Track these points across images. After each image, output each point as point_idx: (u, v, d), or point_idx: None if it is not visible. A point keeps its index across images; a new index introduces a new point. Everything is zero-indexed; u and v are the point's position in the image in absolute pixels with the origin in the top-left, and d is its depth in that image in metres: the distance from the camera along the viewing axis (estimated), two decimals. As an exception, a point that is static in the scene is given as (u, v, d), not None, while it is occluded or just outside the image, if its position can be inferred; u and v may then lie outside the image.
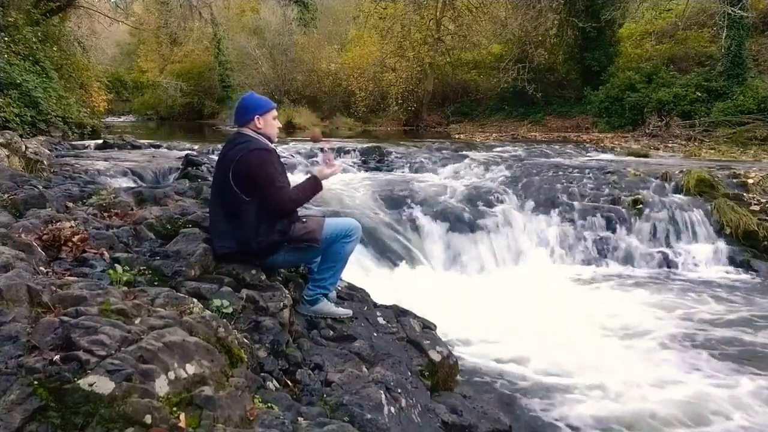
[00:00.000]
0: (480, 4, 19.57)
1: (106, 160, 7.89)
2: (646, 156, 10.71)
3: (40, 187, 4.25)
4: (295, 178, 3.15)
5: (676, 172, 7.67)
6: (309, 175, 3.12)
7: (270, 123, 3.02)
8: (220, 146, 9.93)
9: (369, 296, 3.55)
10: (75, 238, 2.84)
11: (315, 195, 3.08)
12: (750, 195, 6.98)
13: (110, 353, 1.70)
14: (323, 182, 3.08)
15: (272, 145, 3.04)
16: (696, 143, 12.09)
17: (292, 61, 24.23)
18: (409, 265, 5.67)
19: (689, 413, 3.23)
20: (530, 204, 6.95)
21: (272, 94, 22.77)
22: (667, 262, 6.25)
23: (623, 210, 6.79)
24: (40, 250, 2.65)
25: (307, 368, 2.51)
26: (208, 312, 2.30)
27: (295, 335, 2.80)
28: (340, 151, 10.30)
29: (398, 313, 3.43)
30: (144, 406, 1.57)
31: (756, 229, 6.34)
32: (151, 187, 5.20)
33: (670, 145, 12.28)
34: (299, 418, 1.99)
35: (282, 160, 3.08)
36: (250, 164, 2.82)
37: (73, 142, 10.63)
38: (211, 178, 6.34)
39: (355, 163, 9.83)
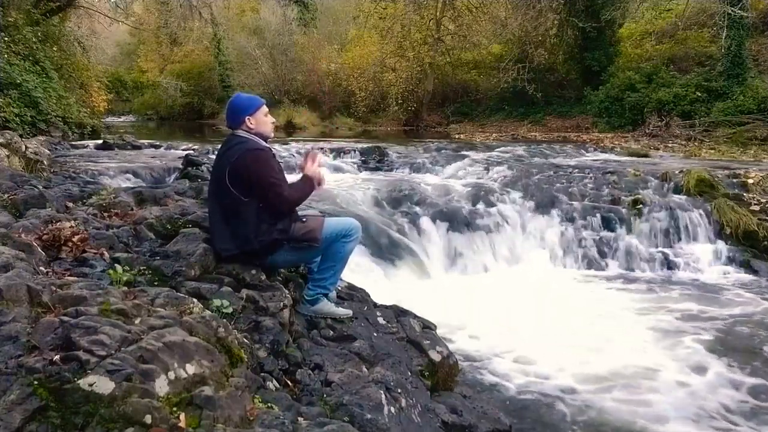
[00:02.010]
0: (480, 4, 19.56)
1: (106, 160, 7.89)
2: (646, 156, 10.71)
3: (40, 187, 4.25)
4: (294, 178, 3.14)
5: (676, 172, 7.67)
6: (301, 175, 3.09)
7: (262, 121, 2.98)
8: (220, 146, 9.99)
9: (369, 296, 3.55)
10: (75, 238, 2.84)
11: (311, 193, 3.06)
12: (750, 195, 6.98)
13: (110, 353, 1.70)
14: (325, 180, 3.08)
15: (267, 144, 3.02)
16: (696, 143, 12.09)
17: (292, 61, 24.24)
18: (409, 265, 5.67)
19: (690, 413, 3.23)
20: (530, 204, 6.95)
21: (272, 94, 22.81)
22: (667, 263, 6.25)
23: (623, 210, 6.79)
24: (40, 250, 2.64)
25: (307, 368, 2.51)
26: (208, 312, 2.29)
27: (295, 335, 2.80)
28: (340, 152, 10.30)
29: (398, 313, 3.43)
30: (144, 406, 1.57)
31: (756, 229, 6.34)
32: (151, 187, 5.20)
33: (670, 145, 12.27)
34: (299, 418, 1.99)
35: (281, 159, 3.08)
36: (247, 165, 2.81)
37: (73, 142, 10.64)
38: (211, 178, 6.35)
39: (355, 163, 9.83)
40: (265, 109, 3.02)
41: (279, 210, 2.90)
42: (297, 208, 3.08)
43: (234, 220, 2.87)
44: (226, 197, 2.86)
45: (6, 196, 3.64)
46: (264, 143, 2.98)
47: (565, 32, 18.68)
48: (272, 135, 3.10)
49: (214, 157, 8.76)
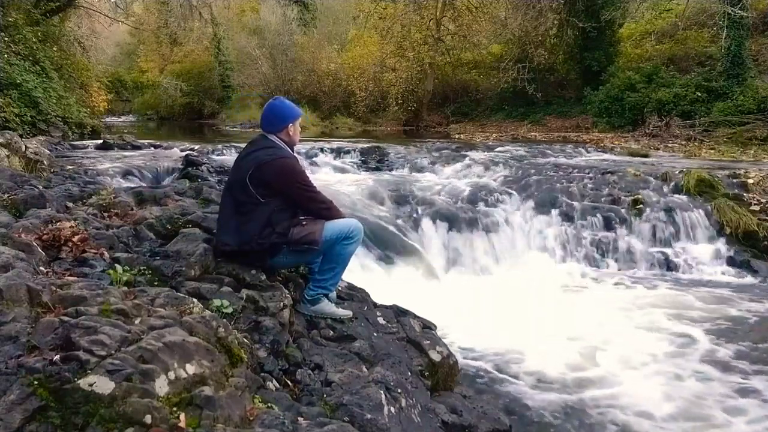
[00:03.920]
0: (480, 4, 19.56)
1: (106, 160, 7.89)
2: (646, 156, 10.70)
3: (40, 187, 4.25)
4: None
5: (676, 172, 7.67)
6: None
7: (298, 129, 3.13)
8: (220, 146, 9.98)
9: (369, 296, 3.55)
10: (75, 238, 2.84)
11: (334, 212, 3.10)
12: (750, 195, 6.98)
13: (110, 353, 1.70)
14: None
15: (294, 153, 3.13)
16: (696, 143, 12.08)
17: (292, 61, 24.24)
18: (409, 264, 5.66)
19: (689, 413, 3.23)
20: (530, 204, 6.95)
21: (272, 94, 22.76)
22: (667, 263, 6.25)
23: (623, 210, 6.79)
24: (40, 250, 2.65)
25: (307, 368, 2.51)
26: (208, 312, 2.30)
27: (295, 335, 2.80)
28: (340, 152, 10.30)
29: (398, 313, 3.43)
30: (144, 406, 1.57)
31: (756, 229, 6.33)
32: (151, 187, 5.20)
33: (670, 145, 12.27)
34: (299, 418, 1.99)
35: None
36: (278, 173, 2.88)
37: (73, 142, 10.62)
38: (211, 179, 6.36)
39: (355, 163, 9.83)
40: (301, 119, 3.15)
41: (316, 213, 3.00)
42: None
43: (243, 217, 2.90)
44: (241, 194, 2.90)
45: (6, 196, 3.65)
46: (291, 152, 3.08)
47: (565, 32, 18.65)
48: (297, 144, 3.21)
49: (214, 157, 8.75)
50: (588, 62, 17.68)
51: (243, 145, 3.19)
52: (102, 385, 1.57)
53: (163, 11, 23.86)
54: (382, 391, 2.34)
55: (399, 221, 6.27)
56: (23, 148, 5.80)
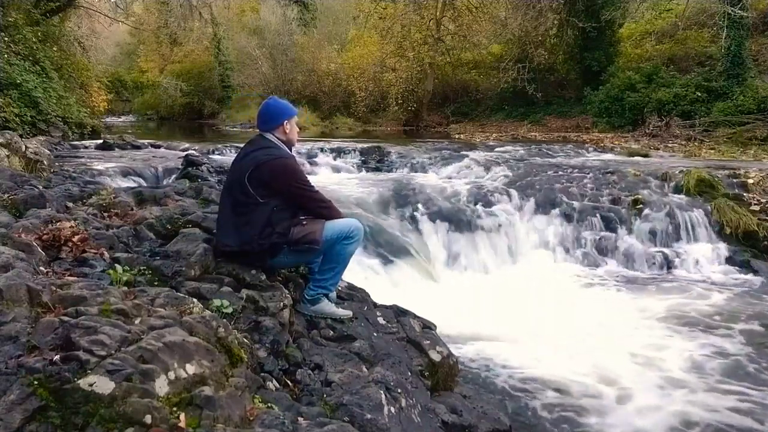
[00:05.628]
0: (480, 4, 19.56)
1: (106, 160, 7.89)
2: (646, 156, 10.69)
3: (40, 187, 4.25)
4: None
5: (676, 172, 7.67)
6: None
7: (294, 127, 3.13)
8: (220, 146, 9.98)
9: (369, 296, 3.55)
10: (75, 238, 2.84)
11: (334, 212, 3.09)
12: (750, 195, 6.98)
13: (110, 353, 1.70)
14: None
15: (292, 153, 3.13)
16: (696, 143, 12.07)
17: (292, 61, 24.26)
18: (409, 264, 5.66)
19: (689, 414, 3.23)
20: (530, 204, 6.95)
21: (272, 94, 22.75)
22: (667, 263, 6.25)
23: (623, 210, 6.79)
24: (40, 250, 2.64)
25: (307, 368, 2.51)
26: (208, 312, 2.29)
27: (295, 335, 2.80)
28: (340, 152, 10.30)
29: (398, 313, 3.42)
30: (144, 406, 1.57)
31: (756, 229, 6.34)
32: (151, 187, 5.20)
33: (670, 145, 12.26)
34: (299, 418, 1.99)
35: None
36: (276, 173, 2.88)
37: (73, 142, 10.62)
38: (211, 179, 6.36)
39: (355, 163, 9.83)
40: (297, 117, 3.15)
41: (315, 212, 3.00)
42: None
43: (243, 218, 2.90)
44: (240, 194, 2.89)
45: (6, 196, 3.65)
46: (290, 152, 3.08)
47: (565, 32, 18.65)
48: (296, 145, 3.20)
49: (214, 157, 8.74)
50: (588, 62, 17.68)
51: (243, 145, 3.19)
52: (102, 385, 1.57)
53: (163, 11, 23.88)
54: (382, 391, 2.34)
55: (399, 221, 6.27)
56: (23, 148, 5.80)
